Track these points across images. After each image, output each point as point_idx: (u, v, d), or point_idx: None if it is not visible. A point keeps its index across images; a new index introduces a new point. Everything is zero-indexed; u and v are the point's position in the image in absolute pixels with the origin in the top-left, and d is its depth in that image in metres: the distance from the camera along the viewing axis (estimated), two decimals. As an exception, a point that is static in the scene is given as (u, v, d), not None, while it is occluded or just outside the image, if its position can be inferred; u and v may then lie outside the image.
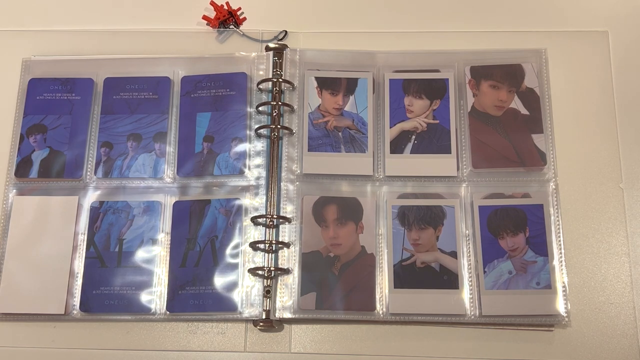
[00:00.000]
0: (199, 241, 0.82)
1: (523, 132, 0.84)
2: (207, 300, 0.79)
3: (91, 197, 0.84)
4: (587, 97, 0.87)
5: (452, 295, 0.79)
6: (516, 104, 0.85)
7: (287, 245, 0.82)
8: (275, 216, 0.82)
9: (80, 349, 0.80)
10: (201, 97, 0.87)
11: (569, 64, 0.89)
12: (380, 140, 0.85)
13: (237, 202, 0.83)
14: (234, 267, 0.81)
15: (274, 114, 0.86)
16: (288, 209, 0.83)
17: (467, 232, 0.81)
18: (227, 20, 0.92)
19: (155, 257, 0.82)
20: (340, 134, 0.85)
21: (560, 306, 0.78)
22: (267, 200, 0.83)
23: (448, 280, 0.79)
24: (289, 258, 0.82)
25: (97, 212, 0.84)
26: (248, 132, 0.86)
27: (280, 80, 0.87)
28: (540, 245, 0.80)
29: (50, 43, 0.92)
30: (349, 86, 0.87)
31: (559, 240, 0.80)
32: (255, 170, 0.85)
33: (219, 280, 0.80)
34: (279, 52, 0.89)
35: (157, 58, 0.90)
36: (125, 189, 0.85)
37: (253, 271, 0.81)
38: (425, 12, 0.93)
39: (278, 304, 0.80)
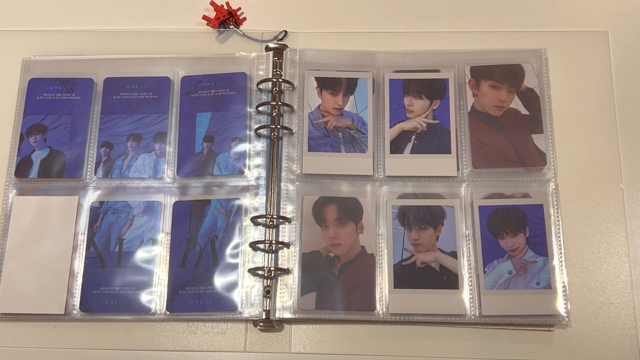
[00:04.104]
0: (199, 241, 0.82)
1: (523, 132, 0.84)
2: (207, 300, 0.79)
3: (91, 197, 0.84)
4: (587, 97, 0.87)
5: (452, 295, 0.79)
6: (516, 104, 0.85)
7: (287, 245, 0.82)
8: (275, 216, 0.82)
9: (80, 349, 0.80)
10: (201, 97, 0.87)
11: (569, 64, 0.89)
12: (380, 140, 0.85)
13: (237, 202, 0.83)
14: (234, 267, 0.81)
15: (274, 114, 0.86)
16: (288, 209, 0.83)
17: (467, 232, 0.81)
18: (227, 20, 0.92)
19: (155, 257, 0.82)
20: (340, 134, 0.85)
21: (560, 306, 0.78)
22: (267, 200, 0.83)
23: (448, 280, 0.79)
24: (289, 258, 0.82)
25: (97, 212, 0.84)
26: (248, 132, 0.86)
27: (280, 80, 0.87)
28: (540, 245, 0.80)
29: (50, 43, 0.92)
30: (349, 86, 0.87)
31: (559, 240, 0.80)
32: (255, 170, 0.85)
33: (219, 280, 0.80)
34: (279, 52, 0.89)
35: (157, 58, 0.90)
36: (125, 189, 0.85)
37: (253, 271, 0.81)
38: (425, 12, 0.93)
39: (278, 304, 0.80)
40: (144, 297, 0.80)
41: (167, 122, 0.87)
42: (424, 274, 0.80)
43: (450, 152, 0.84)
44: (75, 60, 0.90)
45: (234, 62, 0.89)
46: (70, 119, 0.87)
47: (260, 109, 0.87)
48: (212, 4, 0.92)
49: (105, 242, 0.82)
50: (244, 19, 0.93)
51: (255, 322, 0.80)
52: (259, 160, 0.85)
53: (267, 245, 0.81)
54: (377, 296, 0.79)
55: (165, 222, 0.83)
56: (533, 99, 0.85)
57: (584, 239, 0.82)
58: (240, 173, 0.84)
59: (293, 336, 0.80)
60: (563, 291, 0.79)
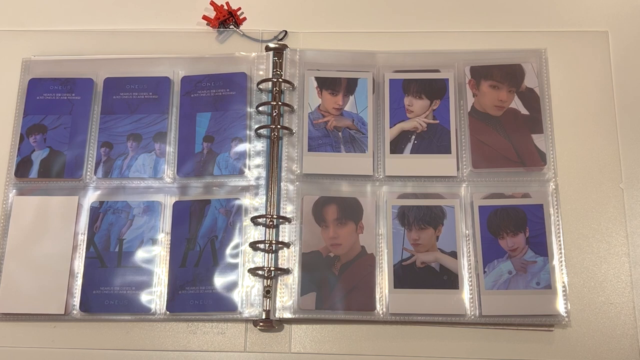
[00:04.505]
0: (199, 241, 0.82)
1: (523, 132, 0.84)
2: (207, 300, 0.79)
3: (91, 197, 0.84)
4: (587, 97, 0.87)
5: (452, 295, 0.79)
6: (516, 104, 0.85)
7: (287, 245, 0.82)
8: (275, 216, 0.82)
9: (80, 349, 0.80)
10: (201, 97, 0.87)
11: (569, 64, 0.89)
12: (380, 140, 0.85)
13: (237, 202, 0.83)
14: (234, 267, 0.81)
15: (274, 114, 0.86)
16: (288, 209, 0.83)
17: (467, 232, 0.81)
18: (227, 20, 0.92)
19: (155, 257, 0.82)
20: (340, 134, 0.85)
21: (560, 306, 0.78)
22: (267, 200, 0.83)
23: (448, 280, 0.79)
24: (289, 258, 0.82)
25: (97, 212, 0.84)
26: (248, 132, 0.86)
27: (280, 80, 0.87)
28: (540, 245, 0.80)
29: (50, 43, 0.92)
30: (349, 86, 0.87)
31: (559, 240, 0.80)
32: (255, 170, 0.85)
33: (219, 280, 0.80)
34: (279, 52, 0.89)
35: (157, 58, 0.90)
36: (125, 189, 0.85)
37: (253, 271, 0.81)
38: (425, 12, 0.93)
39: (278, 304, 0.80)
40: (144, 297, 0.80)
41: (167, 122, 0.87)
42: (424, 274, 0.80)
43: (450, 152, 0.84)
44: (75, 60, 0.90)
45: (234, 62, 0.89)
46: (70, 119, 0.87)
47: (260, 109, 0.87)
48: (212, 4, 0.92)
49: (105, 242, 0.82)
50: (244, 19, 0.93)
51: (255, 322, 0.80)
52: (259, 160, 0.85)
53: (267, 245, 0.81)
54: (377, 296, 0.79)
55: (165, 222, 0.83)
56: (533, 99, 0.85)
57: (584, 239, 0.82)
58: (240, 173, 0.84)
59: (293, 336, 0.80)
60: (563, 291, 0.79)
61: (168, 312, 0.80)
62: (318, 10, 0.94)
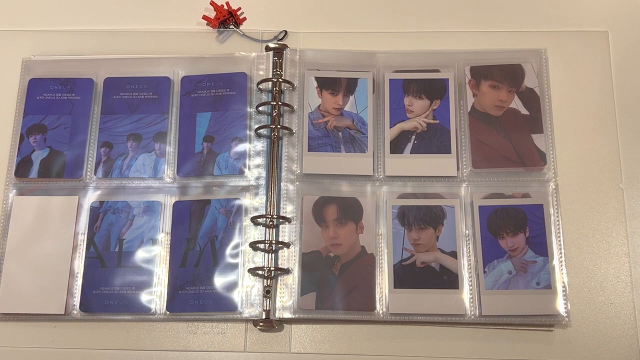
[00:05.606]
0: (199, 241, 0.82)
1: (523, 132, 0.84)
2: (207, 300, 0.80)
3: (91, 197, 0.84)
4: (587, 97, 0.87)
5: (452, 295, 0.79)
6: (516, 104, 0.85)
7: (287, 245, 0.82)
8: (275, 216, 0.82)
9: (80, 349, 0.80)
10: (201, 97, 0.87)
11: (569, 64, 0.89)
12: (380, 140, 0.85)
13: (237, 202, 0.83)
14: (234, 267, 0.81)
15: (274, 114, 0.86)
16: (288, 209, 0.83)
17: (467, 232, 0.81)
18: (227, 20, 0.92)
19: (155, 257, 0.82)
20: (340, 134, 0.85)
21: (560, 306, 0.78)
22: (267, 200, 0.83)
23: (448, 280, 0.79)
24: (289, 258, 0.82)
25: (97, 212, 0.84)
26: (248, 132, 0.86)
27: (280, 80, 0.87)
28: (540, 245, 0.80)
29: (50, 43, 0.92)
30: (349, 86, 0.87)
31: (559, 240, 0.80)
32: (255, 170, 0.85)
33: (219, 280, 0.80)
34: (279, 52, 0.89)
35: (157, 58, 0.90)
36: (125, 189, 0.85)
37: (253, 271, 0.81)
38: (425, 12, 0.93)
39: (278, 304, 0.80)
40: (144, 297, 0.80)
41: (167, 122, 0.87)
42: (424, 274, 0.80)
43: (450, 152, 0.84)
44: (75, 60, 0.90)
45: (234, 62, 0.89)
46: (70, 119, 0.87)
47: (260, 109, 0.87)
48: (212, 4, 0.92)
49: (105, 242, 0.82)
50: (244, 19, 0.93)
51: (255, 322, 0.80)
52: (259, 160, 0.85)
53: (267, 245, 0.81)
54: (377, 296, 0.79)
55: (165, 222, 0.83)
56: (533, 99, 0.85)
57: (584, 239, 0.82)
58: (240, 173, 0.84)
59: (293, 336, 0.80)
60: (563, 291, 0.79)
61: (168, 312, 0.80)
62: (318, 10, 0.94)
